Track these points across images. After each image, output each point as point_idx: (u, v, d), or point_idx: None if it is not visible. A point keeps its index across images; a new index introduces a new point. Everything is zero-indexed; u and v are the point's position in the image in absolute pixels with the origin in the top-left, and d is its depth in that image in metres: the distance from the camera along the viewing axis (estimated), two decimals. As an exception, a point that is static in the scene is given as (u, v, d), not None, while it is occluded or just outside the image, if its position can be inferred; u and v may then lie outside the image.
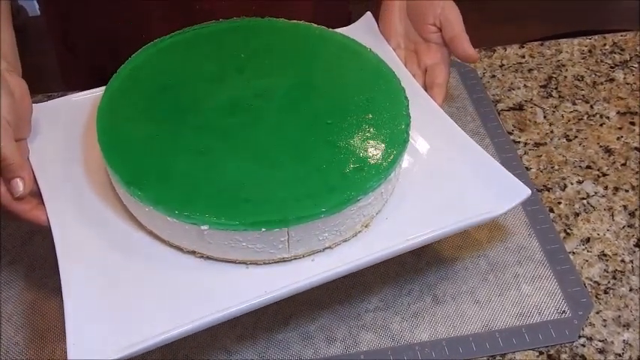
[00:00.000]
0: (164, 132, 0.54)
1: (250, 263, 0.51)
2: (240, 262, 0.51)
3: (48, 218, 0.53)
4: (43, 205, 0.54)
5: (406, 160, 0.57)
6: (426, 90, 0.64)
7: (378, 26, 0.70)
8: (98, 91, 0.62)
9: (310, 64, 0.62)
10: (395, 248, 0.51)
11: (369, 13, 0.72)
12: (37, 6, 2.03)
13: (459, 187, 0.56)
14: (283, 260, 0.51)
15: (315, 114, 0.56)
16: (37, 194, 0.55)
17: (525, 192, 0.54)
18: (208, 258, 0.52)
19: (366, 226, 0.54)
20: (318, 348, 0.55)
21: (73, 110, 0.61)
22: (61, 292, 0.48)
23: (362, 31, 0.69)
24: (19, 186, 0.52)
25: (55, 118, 0.60)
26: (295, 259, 0.52)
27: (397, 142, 0.54)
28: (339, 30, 0.68)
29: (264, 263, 0.51)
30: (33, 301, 0.58)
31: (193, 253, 0.52)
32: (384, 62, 0.62)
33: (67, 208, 0.54)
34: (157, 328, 0.46)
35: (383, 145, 0.54)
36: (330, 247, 0.52)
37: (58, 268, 0.50)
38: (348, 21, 0.90)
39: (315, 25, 0.65)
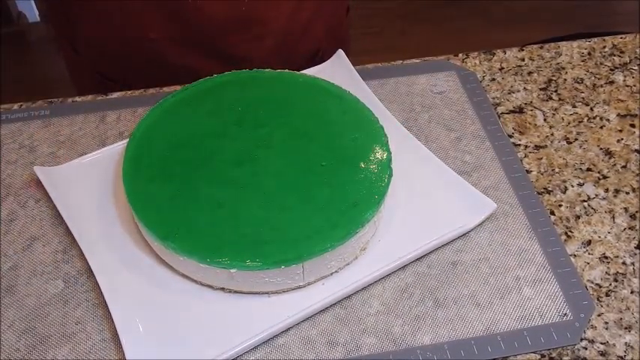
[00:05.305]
0: (184, 188, 0.61)
1: (272, 293, 0.58)
2: (263, 293, 0.58)
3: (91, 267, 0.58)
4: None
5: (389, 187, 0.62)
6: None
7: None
8: (115, 147, 0.68)
9: (298, 111, 0.68)
10: (390, 266, 0.59)
11: (340, 51, 0.77)
12: (36, 12, 2.02)
13: (435, 206, 0.64)
14: (299, 287, 0.58)
15: (309, 158, 0.63)
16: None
17: (491, 206, 0.62)
18: (236, 292, 0.58)
19: (363, 250, 0.61)
20: (319, 352, 0.55)
21: (95, 168, 0.67)
22: (116, 329, 0.54)
23: (335, 68, 0.76)
24: None
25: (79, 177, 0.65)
26: (308, 284, 0.59)
27: (384, 177, 0.61)
28: (314, 69, 0.75)
29: (283, 291, 0.58)
30: (34, 307, 0.58)
31: (222, 289, 0.58)
32: (362, 102, 0.68)
33: (107, 258, 0.60)
34: (205, 355, 0.53)
35: (373, 181, 0.61)
36: (336, 272, 0.59)
37: (109, 311, 0.56)
38: (346, 16, 0.91)
39: (298, 73, 0.71)
